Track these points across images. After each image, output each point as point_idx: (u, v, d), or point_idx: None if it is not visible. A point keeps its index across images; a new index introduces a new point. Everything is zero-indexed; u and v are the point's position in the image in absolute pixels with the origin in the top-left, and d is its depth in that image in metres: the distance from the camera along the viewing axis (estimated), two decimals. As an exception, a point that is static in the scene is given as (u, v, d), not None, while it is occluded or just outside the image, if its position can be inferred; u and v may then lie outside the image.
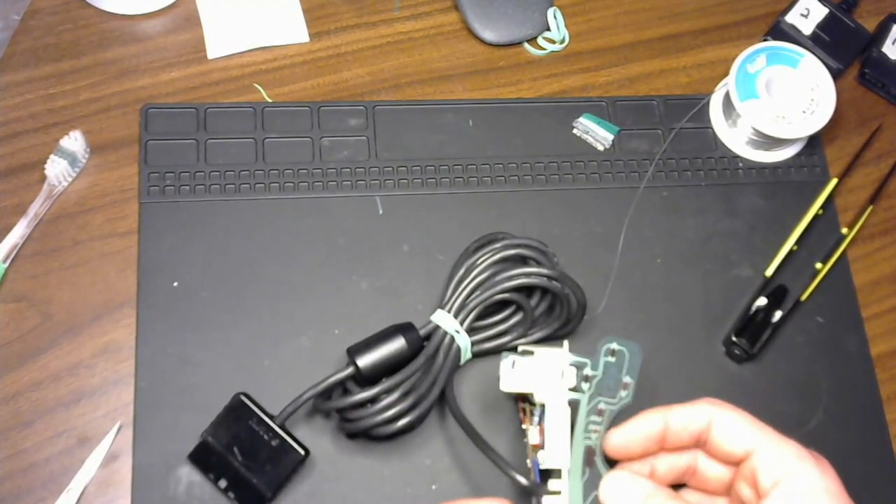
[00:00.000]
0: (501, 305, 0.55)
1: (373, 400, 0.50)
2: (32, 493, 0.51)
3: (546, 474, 0.47)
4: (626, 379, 0.49)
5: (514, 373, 0.49)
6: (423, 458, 0.53)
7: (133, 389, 0.53)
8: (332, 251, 0.58)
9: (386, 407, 0.50)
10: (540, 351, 0.50)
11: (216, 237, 0.57)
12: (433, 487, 0.53)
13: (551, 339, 0.56)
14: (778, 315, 0.58)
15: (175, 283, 0.56)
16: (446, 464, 0.53)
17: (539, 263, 0.54)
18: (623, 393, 0.49)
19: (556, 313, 0.55)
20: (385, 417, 0.50)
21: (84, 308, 0.55)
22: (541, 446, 0.48)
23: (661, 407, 0.47)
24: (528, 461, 0.49)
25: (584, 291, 0.54)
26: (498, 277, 0.53)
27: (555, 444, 0.46)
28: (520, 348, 0.53)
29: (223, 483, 0.50)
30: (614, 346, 0.49)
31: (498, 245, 0.54)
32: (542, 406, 0.48)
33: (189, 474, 0.51)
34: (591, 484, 0.46)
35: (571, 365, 0.49)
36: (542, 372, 0.48)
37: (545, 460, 0.46)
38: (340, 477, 0.52)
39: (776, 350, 0.59)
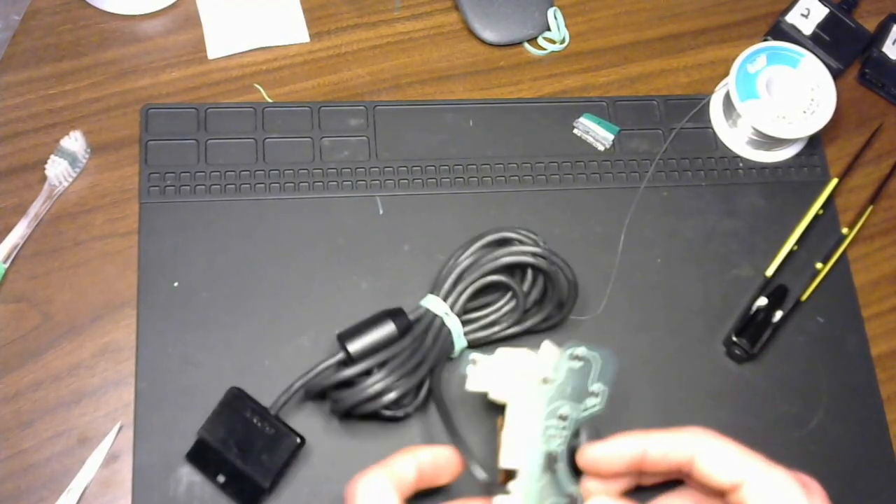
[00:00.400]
0: (494, 293, 0.55)
1: (360, 377, 0.51)
2: (33, 494, 0.51)
3: (510, 474, 0.46)
4: (595, 387, 0.47)
5: (476, 371, 0.48)
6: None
7: (133, 390, 0.53)
8: (333, 251, 0.58)
9: (372, 383, 0.50)
10: (502, 350, 0.48)
11: (216, 237, 0.57)
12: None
13: (546, 329, 0.56)
14: (778, 315, 0.58)
15: (175, 284, 0.56)
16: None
17: (524, 244, 0.54)
18: (591, 401, 0.47)
19: (548, 296, 0.55)
20: (369, 393, 0.50)
21: (84, 308, 0.55)
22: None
23: (641, 431, 0.46)
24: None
25: (573, 269, 0.54)
26: (484, 259, 0.54)
27: (510, 444, 0.45)
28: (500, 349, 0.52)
29: (221, 479, 0.50)
30: (579, 351, 0.47)
31: (487, 233, 0.55)
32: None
33: (189, 474, 0.51)
34: (549, 490, 0.45)
35: (535, 365, 0.47)
36: (502, 371, 0.47)
37: (501, 459, 0.45)
38: (338, 467, 0.52)
39: (776, 350, 0.59)
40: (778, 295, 0.59)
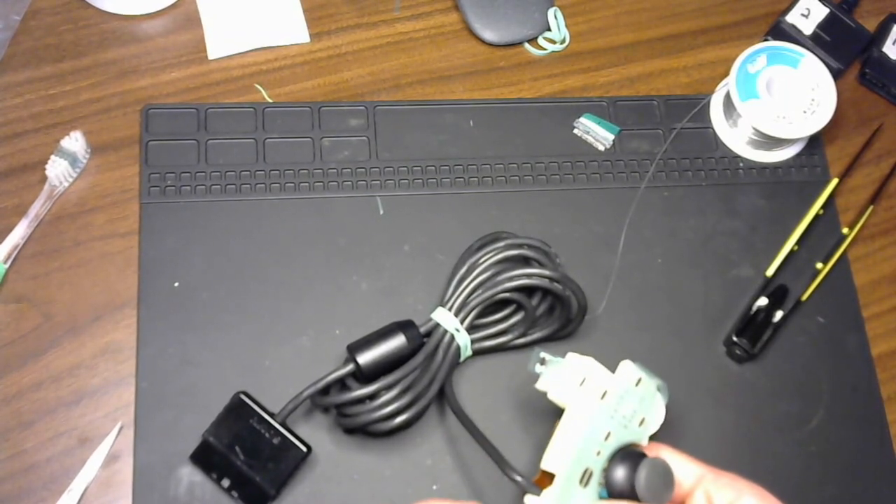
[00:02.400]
0: (502, 304, 0.55)
1: (371, 396, 0.51)
2: (33, 494, 0.51)
3: (549, 476, 0.46)
4: (639, 414, 0.46)
5: (545, 370, 0.46)
6: (424, 458, 0.53)
7: (134, 390, 0.53)
8: (333, 251, 0.58)
9: (384, 404, 0.50)
10: (572, 355, 0.47)
11: (217, 237, 0.57)
12: (434, 487, 0.53)
13: (551, 340, 0.56)
14: (779, 315, 0.58)
15: (176, 284, 0.56)
16: (447, 463, 0.53)
17: (541, 264, 0.54)
18: (638, 428, 0.46)
19: (556, 314, 0.55)
20: (382, 414, 0.50)
21: (85, 308, 0.55)
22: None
23: None
24: None
25: (585, 294, 0.54)
26: (500, 277, 0.53)
27: (556, 448, 0.44)
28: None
29: (226, 482, 0.50)
30: (642, 375, 0.46)
31: (500, 244, 0.54)
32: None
33: (190, 474, 0.51)
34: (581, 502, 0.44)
35: (600, 379, 0.45)
36: (569, 376, 0.46)
37: (544, 460, 0.45)
38: (342, 476, 0.52)
39: (777, 350, 0.59)
40: (778, 295, 0.59)
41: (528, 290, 0.54)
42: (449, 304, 0.53)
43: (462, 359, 0.54)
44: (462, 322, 0.53)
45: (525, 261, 0.55)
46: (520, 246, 0.54)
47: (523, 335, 0.55)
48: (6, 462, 0.51)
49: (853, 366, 0.59)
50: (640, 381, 0.46)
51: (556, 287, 0.53)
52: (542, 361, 0.47)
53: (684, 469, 0.45)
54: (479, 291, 0.53)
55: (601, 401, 0.45)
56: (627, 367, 0.46)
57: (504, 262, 0.54)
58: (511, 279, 0.53)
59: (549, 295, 0.54)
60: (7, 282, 0.55)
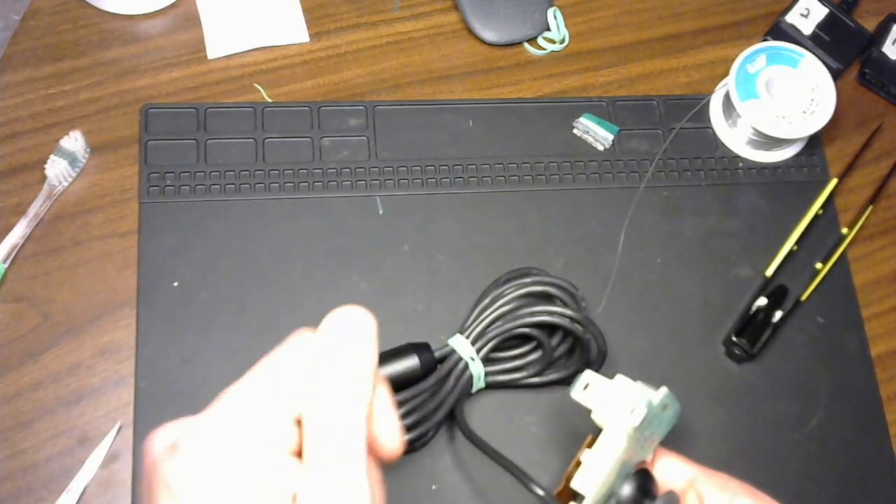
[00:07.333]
0: (522, 341, 0.54)
1: None
2: (32, 493, 0.51)
3: (573, 495, 0.45)
4: (655, 436, 0.45)
5: (591, 386, 0.45)
6: (423, 458, 0.53)
7: (133, 389, 0.53)
8: (332, 251, 0.58)
9: None
10: (621, 377, 0.46)
11: (216, 237, 0.57)
12: (433, 487, 0.53)
13: (567, 383, 0.55)
14: (778, 315, 0.58)
15: (175, 283, 0.56)
16: (446, 464, 0.53)
17: (565, 304, 0.53)
18: (649, 447, 0.45)
19: (575, 357, 0.55)
20: None
21: (84, 308, 0.55)
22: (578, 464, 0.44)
23: None
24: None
25: (606, 339, 0.53)
26: (521, 311, 0.53)
27: (591, 469, 0.43)
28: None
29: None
30: (670, 402, 0.45)
31: (528, 280, 0.54)
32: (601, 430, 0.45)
33: (189, 474, 0.51)
34: None
35: (646, 408, 0.44)
36: (615, 397, 0.45)
37: (576, 480, 0.43)
38: (340, 477, 0.52)
39: (776, 350, 0.59)
40: (778, 295, 0.59)
41: (549, 330, 0.53)
42: (467, 333, 0.53)
43: (474, 389, 0.53)
44: (478, 352, 0.52)
45: (550, 299, 0.54)
46: (546, 284, 0.54)
47: (539, 374, 0.55)
48: (5, 462, 0.51)
49: (852, 366, 0.59)
50: (666, 406, 0.46)
51: (577, 328, 0.52)
52: (586, 386, 0.45)
53: (676, 470, 0.44)
54: (499, 323, 0.53)
55: (637, 427, 0.44)
56: (665, 394, 0.46)
57: (528, 298, 0.53)
58: (532, 314, 0.52)
59: (570, 336, 0.54)
60: (6, 281, 0.55)
